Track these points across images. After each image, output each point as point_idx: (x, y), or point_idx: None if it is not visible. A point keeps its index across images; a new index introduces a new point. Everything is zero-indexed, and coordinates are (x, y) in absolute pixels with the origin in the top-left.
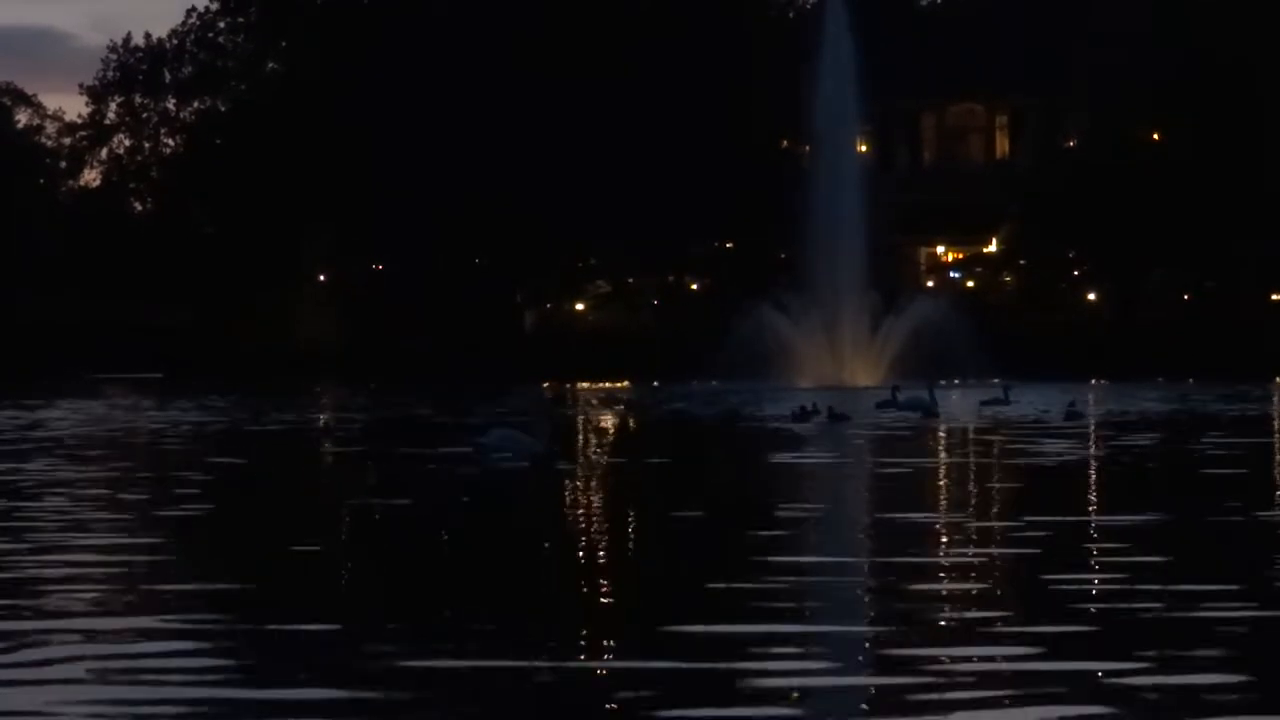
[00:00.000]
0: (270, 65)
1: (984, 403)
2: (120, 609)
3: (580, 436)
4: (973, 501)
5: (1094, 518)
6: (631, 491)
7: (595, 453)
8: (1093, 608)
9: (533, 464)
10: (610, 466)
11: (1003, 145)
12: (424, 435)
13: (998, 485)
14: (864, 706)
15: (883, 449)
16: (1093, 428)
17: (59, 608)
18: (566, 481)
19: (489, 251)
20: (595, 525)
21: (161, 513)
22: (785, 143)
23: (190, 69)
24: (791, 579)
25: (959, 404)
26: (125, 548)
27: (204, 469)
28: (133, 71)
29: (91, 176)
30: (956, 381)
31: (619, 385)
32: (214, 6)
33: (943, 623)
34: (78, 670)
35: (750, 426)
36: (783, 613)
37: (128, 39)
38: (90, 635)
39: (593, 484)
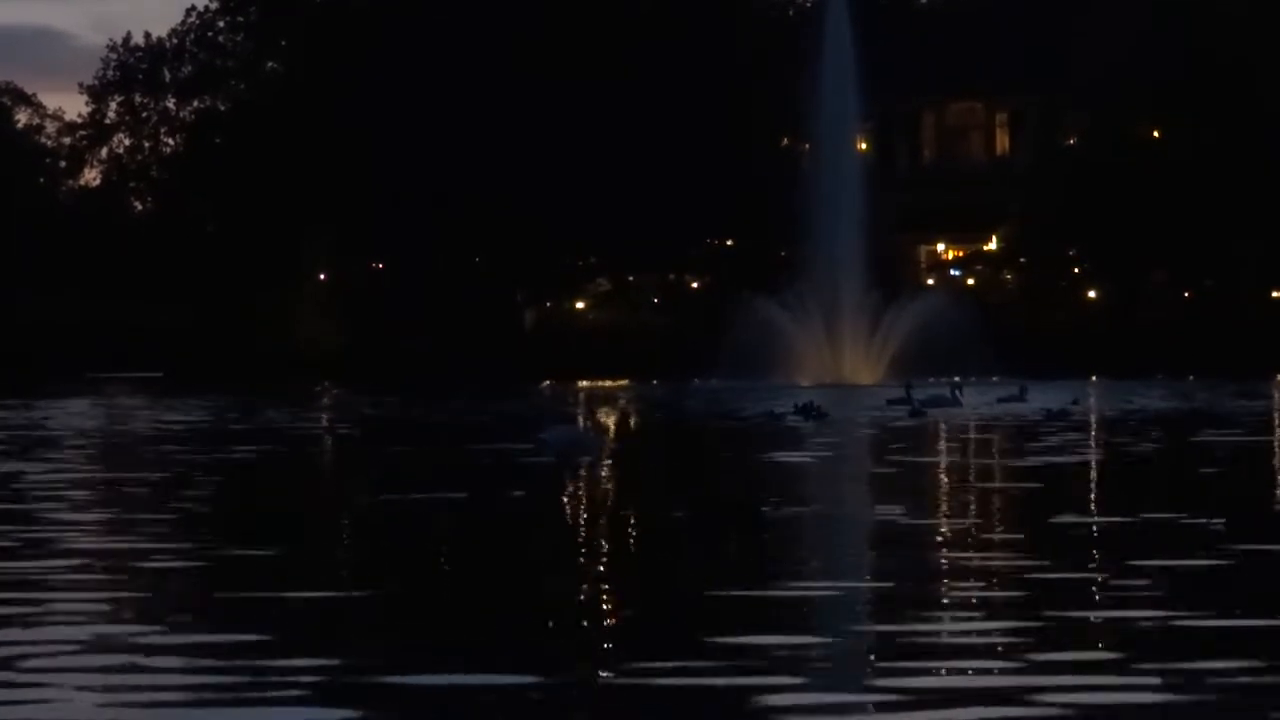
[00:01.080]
0: (270, 65)
1: (1000, 400)
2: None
3: (611, 434)
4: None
5: (1060, 519)
6: (627, 489)
7: (622, 449)
8: (1081, 612)
9: (557, 459)
10: (626, 463)
11: (1003, 142)
12: (434, 435)
13: (931, 485)
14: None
15: (851, 447)
16: (1094, 425)
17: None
18: (588, 477)
19: (489, 250)
20: (592, 525)
21: (195, 510)
22: (785, 140)
23: (190, 68)
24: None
25: (968, 402)
26: (155, 552)
27: (208, 469)
28: (132, 71)
29: (91, 176)
30: (957, 379)
31: (619, 383)
32: (214, 6)
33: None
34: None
35: (730, 426)
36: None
37: (127, 38)
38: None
39: (607, 480)
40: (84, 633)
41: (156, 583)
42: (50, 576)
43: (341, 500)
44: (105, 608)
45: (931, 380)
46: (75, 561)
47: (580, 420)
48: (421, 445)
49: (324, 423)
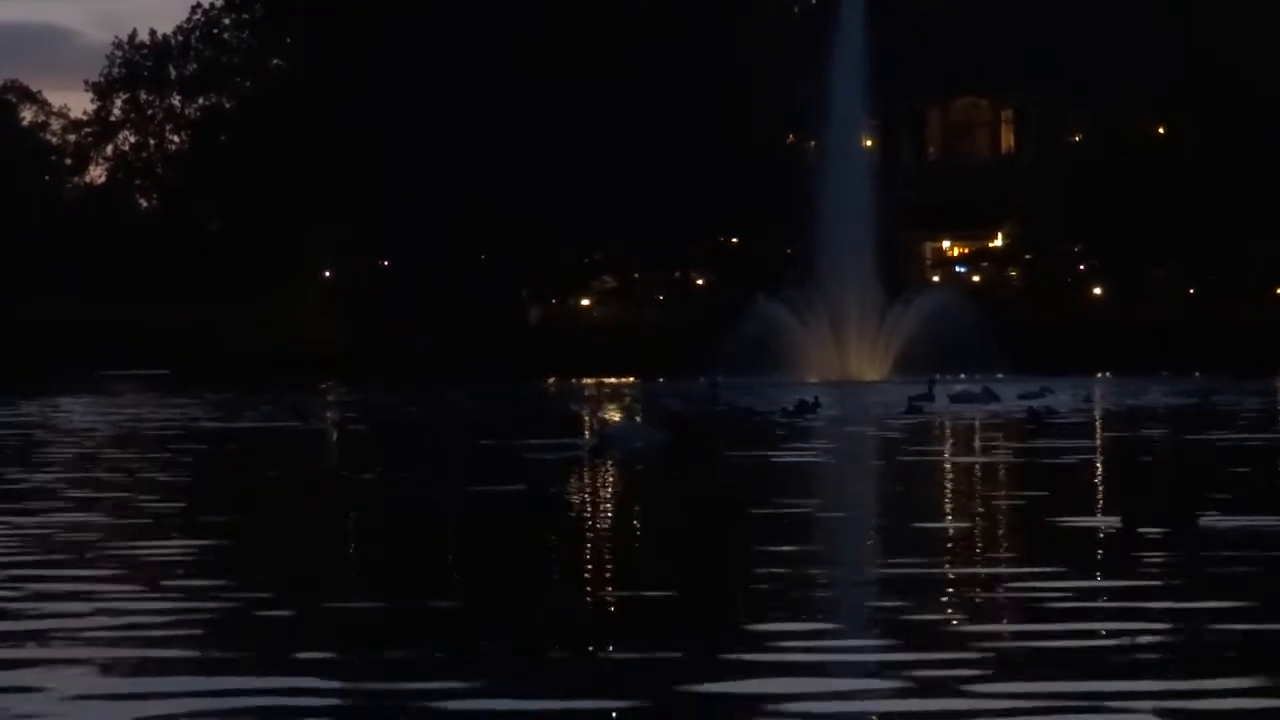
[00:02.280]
0: (275, 61)
1: (1020, 396)
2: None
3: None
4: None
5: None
6: (637, 484)
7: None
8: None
9: (589, 453)
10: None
11: (1008, 139)
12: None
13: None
14: None
15: (820, 447)
16: (1101, 422)
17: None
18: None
19: (493, 249)
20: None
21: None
22: (791, 137)
23: (195, 65)
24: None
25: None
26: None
27: (210, 466)
28: (138, 68)
29: (96, 173)
30: (962, 376)
31: (623, 380)
32: (219, 3)
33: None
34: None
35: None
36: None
37: (133, 35)
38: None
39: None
40: (90, 634)
41: (198, 584)
42: (56, 577)
43: (404, 494)
44: (137, 615)
45: (939, 377)
46: (98, 564)
47: (636, 418)
48: (457, 441)
49: (329, 420)
